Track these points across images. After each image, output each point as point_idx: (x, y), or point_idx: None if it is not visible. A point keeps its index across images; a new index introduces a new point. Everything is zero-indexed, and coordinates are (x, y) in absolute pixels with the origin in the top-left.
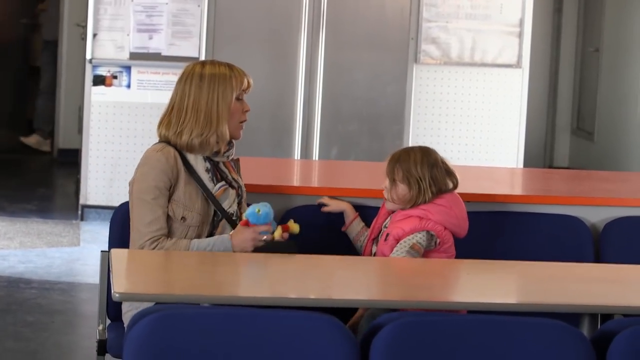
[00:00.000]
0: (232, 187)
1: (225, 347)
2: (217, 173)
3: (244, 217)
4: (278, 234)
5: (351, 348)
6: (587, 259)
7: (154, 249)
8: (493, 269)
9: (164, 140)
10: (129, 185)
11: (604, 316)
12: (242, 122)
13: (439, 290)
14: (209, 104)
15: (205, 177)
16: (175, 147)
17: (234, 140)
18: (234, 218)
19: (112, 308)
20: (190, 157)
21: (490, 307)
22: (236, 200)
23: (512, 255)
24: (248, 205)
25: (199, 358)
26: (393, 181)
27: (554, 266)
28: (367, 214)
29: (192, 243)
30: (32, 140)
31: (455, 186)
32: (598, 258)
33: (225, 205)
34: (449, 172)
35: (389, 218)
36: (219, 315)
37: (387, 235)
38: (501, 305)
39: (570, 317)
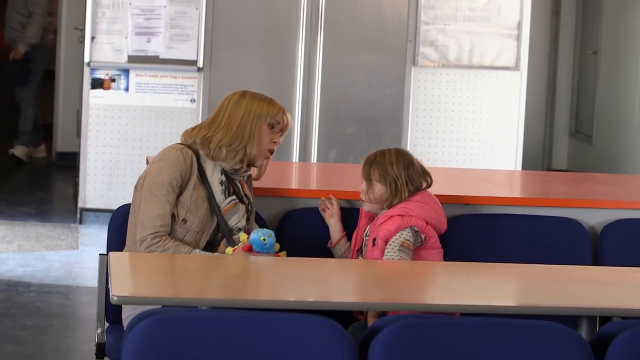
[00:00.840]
0: (243, 202)
1: (224, 350)
2: (231, 187)
3: (247, 242)
4: None
5: (349, 351)
6: (586, 261)
7: (154, 244)
8: (491, 272)
9: (186, 143)
10: (140, 179)
11: (602, 319)
12: (269, 150)
13: (438, 292)
14: (244, 119)
15: (218, 190)
16: (194, 152)
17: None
18: (241, 231)
19: (111, 311)
20: (208, 167)
21: (489, 310)
22: (245, 216)
23: (511, 257)
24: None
25: None
26: (370, 182)
27: (553, 269)
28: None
29: (194, 252)
30: (18, 150)
31: (429, 185)
32: (596, 260)
33: (234, 219)
34: (424, 172)
35: (368, 227)
36: (218, 318)
37: (374, 240)
38: (499, 308)
39: (568, 320)
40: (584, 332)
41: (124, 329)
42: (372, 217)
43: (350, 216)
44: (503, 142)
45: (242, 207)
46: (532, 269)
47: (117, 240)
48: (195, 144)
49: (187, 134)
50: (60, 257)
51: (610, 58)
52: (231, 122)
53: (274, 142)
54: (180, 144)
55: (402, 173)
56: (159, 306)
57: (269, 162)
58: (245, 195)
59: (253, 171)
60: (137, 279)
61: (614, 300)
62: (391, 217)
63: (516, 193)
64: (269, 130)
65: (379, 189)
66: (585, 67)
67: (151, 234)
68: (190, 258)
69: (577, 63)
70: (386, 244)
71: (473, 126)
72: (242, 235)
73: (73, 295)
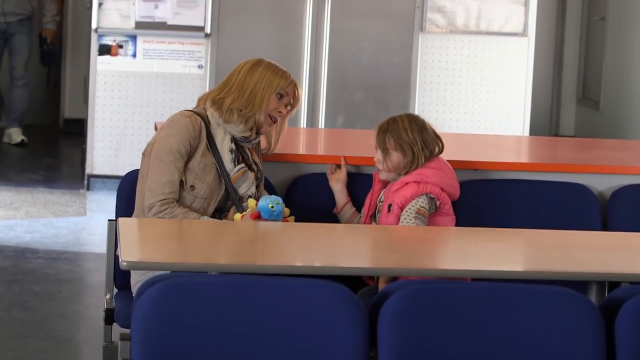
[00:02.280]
0: (252, 169)
1: (233, 315)
2: (240, 155)
3: (256, 209)
4: None
5: (359, 315)
6: (595, 226)
7: (163, 211)
8: (500, 237)
9: (198, 108)
10: (148, 145)
11: (611, 284)
12: (272, 118)
13: (446, 258)
14: (257, 87)
15: (227, 158)
16: (204, 119)
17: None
18: (251, 197)
19: (119, 277)
20: (218, 135)
21: (498, 275)
22: (255, 183)
23: (519, 223)
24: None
25: (207, 325)
26: (385, 150)
27: (561, 234)
28: (372, 181)
29: (202, 218)
30: (16, 134)
31: (441, 150)
32: (605, 226)
33: (244, 187)
34: (436, 135)
35: (382, 192)
36: (227, 283)
37: (390, 205)
38: (508, 273)
39: (577, 285)
40: (593, 297)
41: (133, 294)
42: (385, 183)
43: (358, 182)
44: (511, 108)
45: (251, 175)
46: (541, 235)
47: (125, 207)
48: (205, 110)
49: (200, 98)
50: (68, 224)
51: (617, 24)
52: (244, 88)
53: (279, 112)
54: (189, 110)
55: (417, 138)
56: (168, 272)
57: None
58: (255, 163)
59: (263, 142)
60: (146, 245)
61: (622, 266)
62: (407, 183)
63: (524, 159)
64: (277, 100)
65: (396, 157)
66: (592, 34)
67: (159, 200)
68: (199, 223)
69: (584, 29)
70: (402, 210)
71: (481, 92)
72: (251, 202)
73: (81, 262)
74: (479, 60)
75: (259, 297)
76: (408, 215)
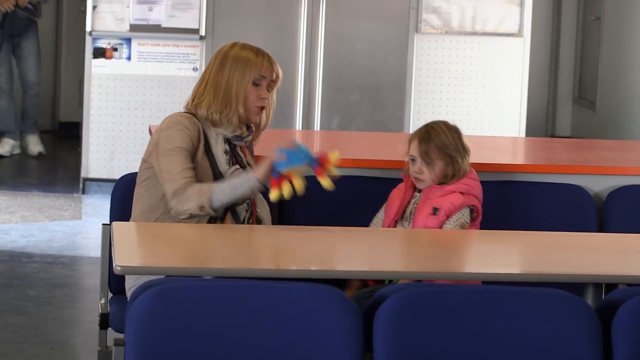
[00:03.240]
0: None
1: (228, 319)
2: (234, 156)
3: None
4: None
5: (354, 319)
6: (591, 228)
7: (187, 191)
8: (496, 239)
9: (189, 111)
10: (148, 150)
11: (608, 286)
12: (258, 107)
13: (443, 261)
14: (228, 83)
15: (222, 159)
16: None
17: (252, 126)
18: (248, 201)
19: (114, 281)
20: (211, 136)
21: (494, 278)
22: None
23: (515, 225)
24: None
25: (202, 330)
26: (429, 160)
27: (558, 236)
28: (368, 184)
29: (215, 188)
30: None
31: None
32: (601, 227)
33: None
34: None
35: (417, 195)
36: (222, 287)
37: (436, 209)
38: (505, 276)
39: (574, 287)
40: (589, 299)
41: (127, 299)
42: (415, 187)
43: (357, 183)
44: (506, 109)
45: None
46: (537, 236)
47: (119, 210)
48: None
49: (187, 102)
50: (63, 228)
51: (613, 24)
52: (217, 87)
53: (262, 98)
54: (186, 112)
55: (459, 145)
56: (163, 276)
57: (271, 112)
58: (248, 164)
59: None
60: (140, 249)
61: (619, 267)
62: (452, 192)
63: (520, 160)
64: (254, 89)
65: (440, 166)
66: (588, 33)
67: (184, 183)
68: (195, 227)
69: (580, 29)
70: (447, 217)
71: (476, 93)
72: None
73: (76, 266)
74: (475, 61)
75: (253, 301)
76: (453, 227)
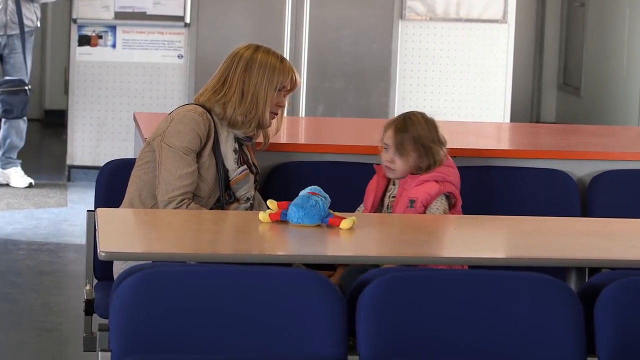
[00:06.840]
0: (252, 171)
1: (212, 304)
2: (241, 156)
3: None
4: None
5: (337, 304)
6: (574, 213)
7: (181, 206)
8: (480, 224)
9: (203, 105)
10: (155, 135)
11: (591, 270)
12: (274, 112)
13: (425, 245)
14: (257, 88)
15: (231, 158)
16: (212, 118)
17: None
18: (251, 202)
19: (99, 268)
20: (222, 134)
21: (477, 262)
22: (254, 186)
23: (499, 210)
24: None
25: (186, 315)
26: (403, 151)
27: (541, 220)
28: (354, 170)
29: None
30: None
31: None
32: (585, 212)
33: (244, 189)
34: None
35: (393, 186)
36: (206, 272)
37: (412, 201)
38: (488, 260)
39: (557, 271)
40: (572, 283)
41: None
42: (388, 178)
43: (342, 169)
44: (491, 95)
45: (251, 177)
46: (520, 221)
47: (104, 197)
48: (210, 109)
49: (204, 97)
50: (49, 215)
51: (597, 10)
52: (244, 92)
53: (280, 106)
54: (200, 106)
55: (434, 136)
56: (149, 262)
57: (282, 117)
58: (254, 165)
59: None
60: (124, 235)
61: (602, 252)
62: (427, 181)
63: (505, 145)
64: (276, 95)
65: (414, 157)
66: (573, 20)
67: (179, 194)
68: (178, 213)
69: (564, 15)
70: (424, 207)
71: (461, 79)
72: (271, 203)
73: (62, 253)
74: (459, 47)
75: (237, 286)
76: None
